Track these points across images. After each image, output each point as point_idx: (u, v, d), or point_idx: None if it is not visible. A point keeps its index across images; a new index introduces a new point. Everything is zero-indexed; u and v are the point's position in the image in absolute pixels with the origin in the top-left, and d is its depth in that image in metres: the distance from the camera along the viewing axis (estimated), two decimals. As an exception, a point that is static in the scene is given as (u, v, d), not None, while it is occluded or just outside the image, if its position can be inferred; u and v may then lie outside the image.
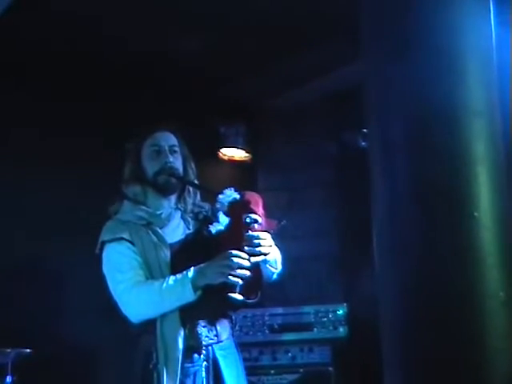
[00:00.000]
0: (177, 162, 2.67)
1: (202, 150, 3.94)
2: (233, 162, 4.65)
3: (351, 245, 4.24)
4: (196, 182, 2.73)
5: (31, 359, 3.30)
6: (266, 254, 2.43)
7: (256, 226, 2.41)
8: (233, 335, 2.59)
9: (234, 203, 2.47)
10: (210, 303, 2.43)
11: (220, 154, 4.61)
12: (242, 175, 4.61)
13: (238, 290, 2.36)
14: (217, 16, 3.52)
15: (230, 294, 2.35)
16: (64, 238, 3.77)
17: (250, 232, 2.40)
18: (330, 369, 3.80)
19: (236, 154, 4.63)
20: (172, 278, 2.46)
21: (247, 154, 4.64)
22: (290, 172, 4.67)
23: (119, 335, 2.58)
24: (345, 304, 3.93)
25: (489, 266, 1.75)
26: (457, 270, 1.75)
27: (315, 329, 3.88)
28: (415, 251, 1.81)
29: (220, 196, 2.51)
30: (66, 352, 3.70)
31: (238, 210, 2.44)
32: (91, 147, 3.94)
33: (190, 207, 2.67)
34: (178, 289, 2.42)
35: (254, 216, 2.41)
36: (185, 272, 2.44)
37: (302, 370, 3.83)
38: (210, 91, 4.31)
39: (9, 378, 3.22)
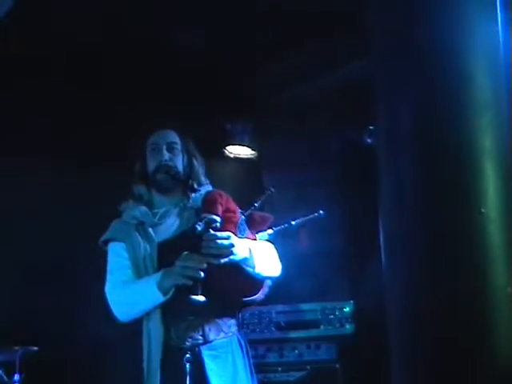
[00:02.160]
0: (175, 160, 2.67)
1: (208, 148, 3.94)
2: (239, 160, 4.65)
3: (358, 242, 4.23)
4: (203, 178, 2.72)
5: (39, 357, 3.31)
6: (226, 255, 2.39)
7: (217, 225, 2.38)
8: (237, 333, 2.58)
9: (201, 201, 2.48)
10: (193, 304, 2.39)
11: (226, 152, 4.61)
12: (247, 173, 4.60)
13: (199, 291, 2.33)
14: (223, 13, 3.51)
15: (191, 296, 2.33)
16: (74, 236, 3.77)
17: (211, 231, 2.37)
18: (337, 366, 3.79)
19: (242, 151, 4.64)
20: (144, 279, 2.49)
21: (253, 152, 4.64)
22: (296, 169, 4.66)
23: (124, 334, 2.59)
24: (351, 301, 3.93)
25: (496, 260, 1.75)
26: (464, 266, 1.75)
27: (322, 326, 3.88)
28: (422, 247, 1.81)
29: (192, 194, 2.55)
30: (73, 350, 3.71)
31: (202, 210, 2.45)
32: (101, 148, 3.96)
33: (191, 203, 2.67)
34: (146, 291, 2.45)
35: (211, 216, 2.38)
36: (155, 274, 2.46)
37: (308, 367, 3.83)
38: (216, 88, 4.31)
39: (17, 376, 3.24)
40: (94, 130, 3.99)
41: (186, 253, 2.41)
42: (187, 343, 2.45)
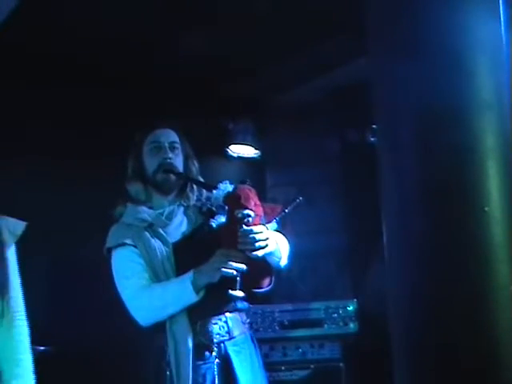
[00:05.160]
0: (177, 159, 2.67)
1: (211, 148, 3.95)
2: (241, 159, 4.65)
3: (361, 240, 4.24)
4: (200, 179, 2.72)
5: (45, 357, 3.31)
6: (263, 248, 2.42)
7: (250, 219, 2.40)
8: (249, 329, 2.60)
9: (227, 198, 2.47)
10: (219, 300, 2.44)
11: (228, 151, 4.60)
12: (250, 172, 4.60)
13: (238, 286, 2.35)
14: (224, 13, 3.51)
15: (230, 292, 2.34)
16: (78, 235, 3.77)
17: (245, 227, 2.39)
18: (341, 365, 3.79)
19: (244, 150, 4.63)
20: (173, 280, 2.47)
21: (256, 151, 4.64)
22: (299, 168, 4.66)
23: (133, 333, 2.58)
24: (355, 300, 3.92)
25: (499, 259, 1.75)
26: (467, 265, 1.75)
27: (325, 325, 3.88)
28: (425, 246, 1.81)
29: (214, 191, 2.53)
30: (79, 350, 3.71)
31: (231, 206, 2.45)
32: (94, 146, 3.95)
33: (192, 202, 2.67)
34: (180, 292, 2.43)
35: (245, 211, 2.40)
36: (185, 274, 2.44)
37: (312, 366, 3.83)
38: (218, 88, 4.31)
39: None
40: (95, 130, 3.99)
41: (222, 249, 2.41)
42: (214, 340, 2.46)
